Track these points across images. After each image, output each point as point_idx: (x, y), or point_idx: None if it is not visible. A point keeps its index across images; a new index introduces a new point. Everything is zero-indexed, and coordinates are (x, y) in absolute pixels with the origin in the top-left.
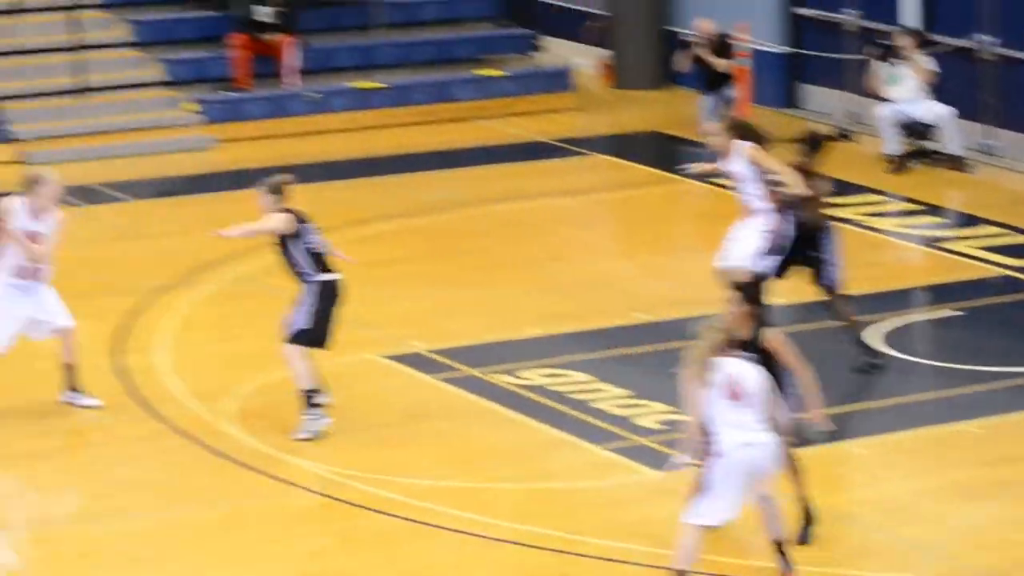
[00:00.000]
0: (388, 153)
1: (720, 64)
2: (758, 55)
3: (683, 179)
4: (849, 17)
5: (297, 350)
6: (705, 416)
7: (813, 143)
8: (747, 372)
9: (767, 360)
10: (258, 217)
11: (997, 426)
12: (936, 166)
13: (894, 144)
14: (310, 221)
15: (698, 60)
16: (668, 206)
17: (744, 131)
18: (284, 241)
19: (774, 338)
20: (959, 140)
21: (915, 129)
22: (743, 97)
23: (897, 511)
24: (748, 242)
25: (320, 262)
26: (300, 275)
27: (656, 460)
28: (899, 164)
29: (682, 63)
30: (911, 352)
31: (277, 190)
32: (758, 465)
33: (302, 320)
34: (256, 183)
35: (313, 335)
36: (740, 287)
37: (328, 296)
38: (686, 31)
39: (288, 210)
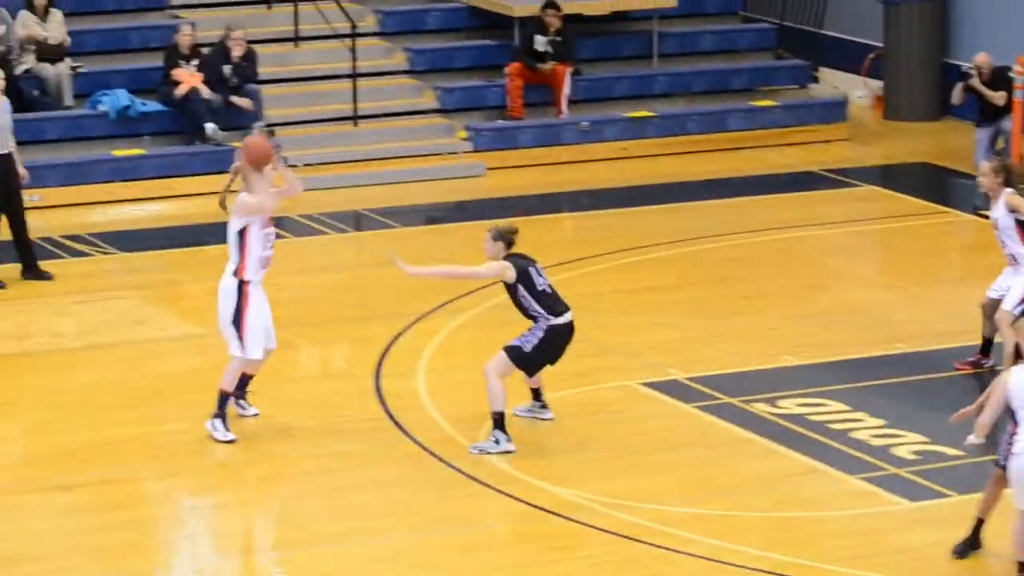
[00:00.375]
0: (657, 182)
1: (995, 97)
2: None
3: (952, 211)
4: None
5: (506, 367)
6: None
7: None
8: None
9: None
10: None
11: None
12: None
13: None
14: (534, 264)
15: (973, 92)
16: (936, 238)
17: (1008, 174)
18: (509, 288)
19: None
20: None
21: None
22: (1018, 131)
23: None
24: (1016, 292)
25: (549, 303)
26: (532, 319)
27: (911, 491)
28: None
29: (957, 96)
30: None
31: (502, 237)
32: None
33: (527, 343)
34: (489, 228)
35: (528, 359)
36: None
37: (558, 337)
38: (963, 63)
39: (509, 256)
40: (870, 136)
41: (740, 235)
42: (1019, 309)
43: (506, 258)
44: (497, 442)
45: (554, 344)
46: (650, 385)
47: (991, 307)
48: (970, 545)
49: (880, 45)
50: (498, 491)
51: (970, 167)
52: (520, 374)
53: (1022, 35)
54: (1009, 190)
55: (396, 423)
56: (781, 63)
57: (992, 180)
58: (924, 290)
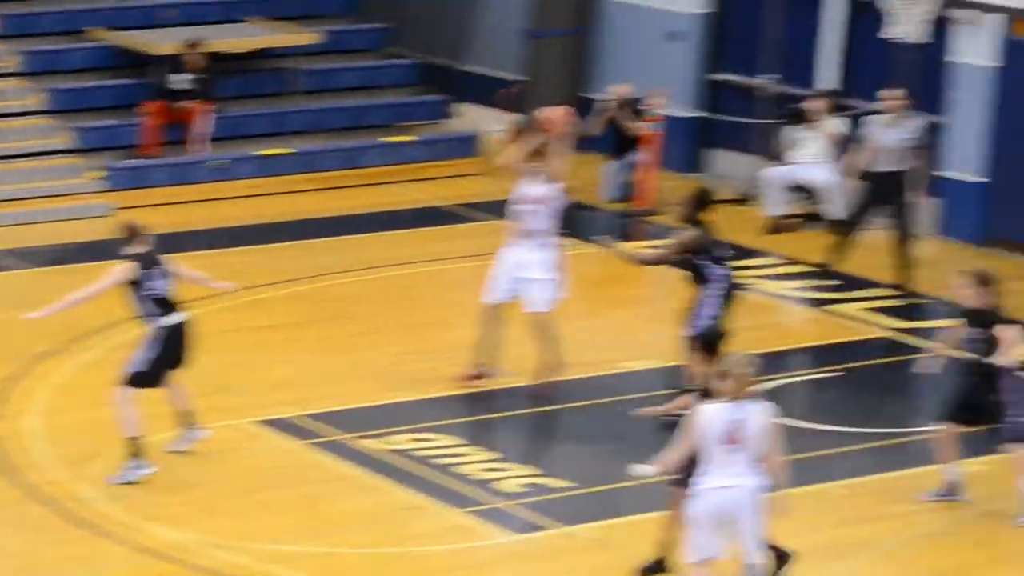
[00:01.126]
0: (291, 219)
1: (635, 126)
2: (669, 120)
3: (577, 242)
4: (766, 82)
5: (128, 393)
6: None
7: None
8: (752, 417)
9: None
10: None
11: (863, 485)
12: (824, 229)
13: (778, 206)
14: (160, 265)
15: (611, 123)
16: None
17: None
18: (130, 288)
19: None
20: (842, 204)
21: (804, 192)
22: (651, 162)
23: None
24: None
25: (165, 306)
26: (145, 319)
27: (513, 523)
28: (779, 226)
29: (594, 126)
30: (788, 413)
31: (127, 234)
32: (731, 508)
33: (139, 363)
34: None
35: (147, 378)
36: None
37: (171, 340)
38: (598, 96)
39: (132, 256)
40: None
41: (366, 271)
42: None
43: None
44: (138, 467)
45: (168, 353)
46: (263, 423)
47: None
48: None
49: (519, 79)
50: (107, 533)
51: (597, 199)
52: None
53: (656, 70)
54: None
55: (6, 466)
56: (418, 99)
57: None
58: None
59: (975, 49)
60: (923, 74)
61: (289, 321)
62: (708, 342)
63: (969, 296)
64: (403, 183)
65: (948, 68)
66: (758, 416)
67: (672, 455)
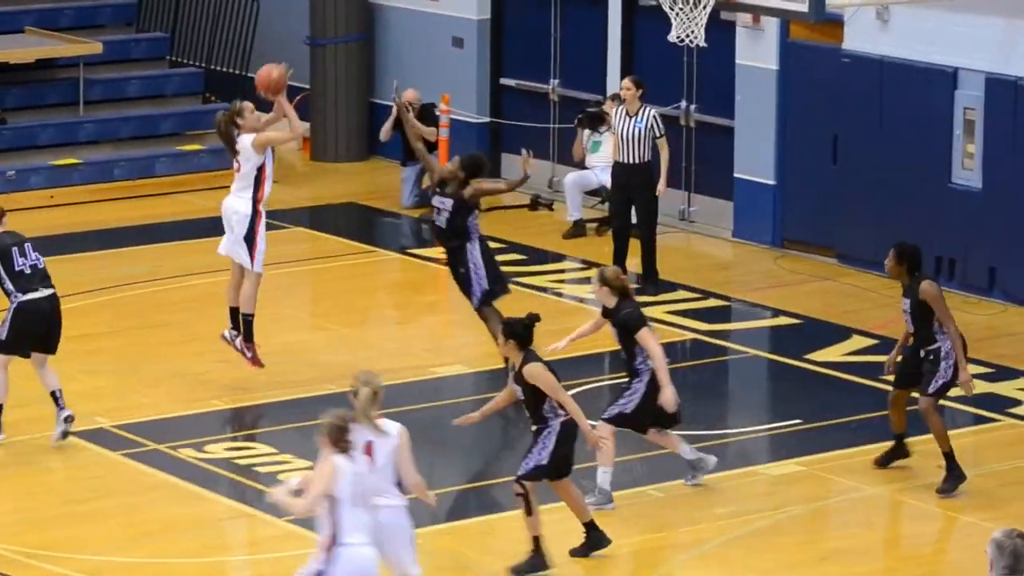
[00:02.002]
0: (87, 229)
1: (427, 131)
2: (459, 125)
3: (379, 250)
4: (552, 87)
5: None
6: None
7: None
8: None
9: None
10: None
11: (677, 488)
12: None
13: (576, 210)
14: (22, 243)
15: (401, 127)
16: (364, 277)
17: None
18: None
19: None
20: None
21: (603, 195)
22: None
23: None
24: None
25: (26, 283)
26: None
27: None
28: (577, 230)
29: (385, 132)
30: (592, 417)
31: None
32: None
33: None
34: None
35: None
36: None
37: (28, 314)
38: (388, 102)
39: None
40: (298, 177)
41: (169, 280)
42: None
43: None
44: None
45: (25, 326)
46: (77, 434)
47: None
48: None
49: (306, 87)
50: None
51: (397, 205)
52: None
53: (445, 75)
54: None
55: None
56: (207, 107)
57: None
58: (353, 330)
59: (757, 52)
60: (709, 77)
61: (96, 331)
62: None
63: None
64: (197, 192)
65: (733, 71)
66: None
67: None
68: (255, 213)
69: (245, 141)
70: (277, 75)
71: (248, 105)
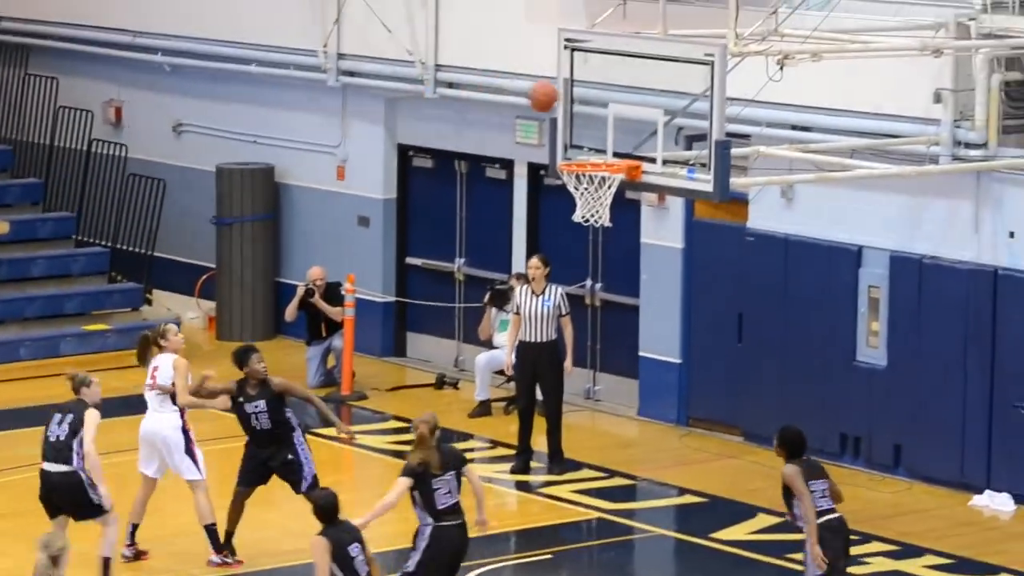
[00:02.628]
0: None
1: (332, 311)
2: (364, 305)
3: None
4: (458, 265)
5: None
6: None
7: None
8: None
9: None
10: None
11: None
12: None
13: (484, 390)
14: None
15: (307, 307)
16: None
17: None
18: None
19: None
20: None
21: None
22: (348, 346)
23: None
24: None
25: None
26: None
27: None
28: (483, 409)
29: (291, 312)
30: None
31: None
32: None
33: None
34: None
35: None
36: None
37: None
38: (294, 282)
39: None
40: (204, 356)
41: None
42: None
43: None
44: None
45: None
46: None
47: None
48: None
49: (212, 266)
50: None
51: (302, 385)
52: None
53: (351, 253)
54: None
55: None
56: (114, 287)
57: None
58: (256, 509)
59: (662, 230)
60: (614, 255)
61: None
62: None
63: None
64: (102, 371)
65: (639, 249)
66: None
67: None
68: (184, 424)
69: (165, 360)
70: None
71: (172, 327)
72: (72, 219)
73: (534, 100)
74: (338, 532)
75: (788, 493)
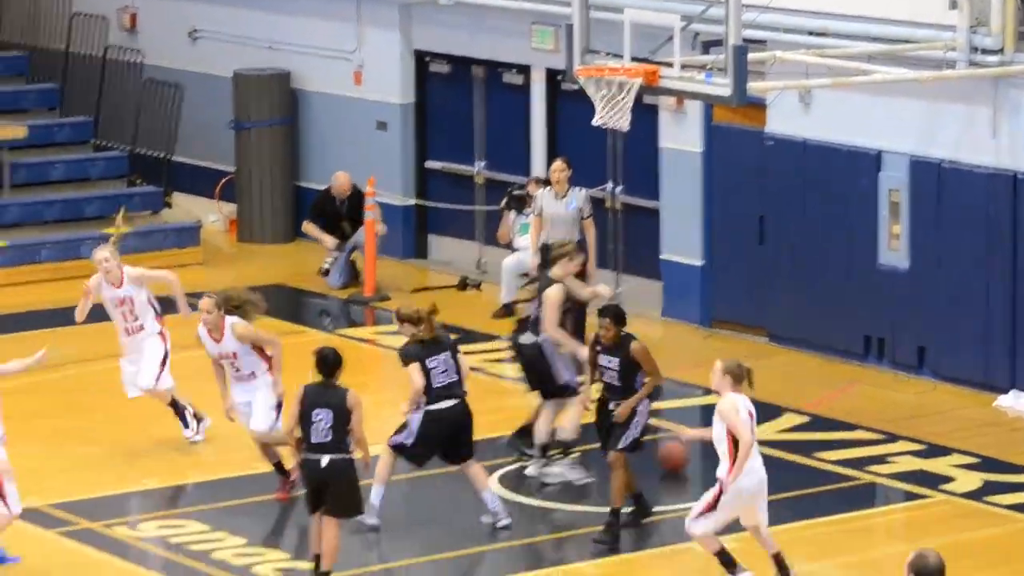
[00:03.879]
0: (12, 311)
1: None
2: (385, 208)
3: (308, 329)
4: (477, 169)
5: None
6: None
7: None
8: None
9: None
10: None
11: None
12: None
13: (509, 292)
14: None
15: (325, 215)
16: (291, 357)
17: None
18: None
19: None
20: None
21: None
22: (370, 248)
23: None
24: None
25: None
26: None
27: None
28: (505, 311)
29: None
30: (529, 494)
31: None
32: None
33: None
34: None
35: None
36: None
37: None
38: (314, 185)
39: None
40: (224, 259)
41: (101, 361)
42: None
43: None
44: None
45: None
46: None
47: None
48: None
49: (232, 170)
50: None
51: (324, 287)
52: None
53: (370, 158)
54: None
55: None
56: (134, 190)
57: (216, 316)
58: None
59: (681, 135)
60: (633, 159)
61: (22, 412)
62: None
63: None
64: None
65: (657, 153)
66: None
67: None
68: None
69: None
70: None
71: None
72: (90, 124)
73: (666, 461)
74: (317, 391)
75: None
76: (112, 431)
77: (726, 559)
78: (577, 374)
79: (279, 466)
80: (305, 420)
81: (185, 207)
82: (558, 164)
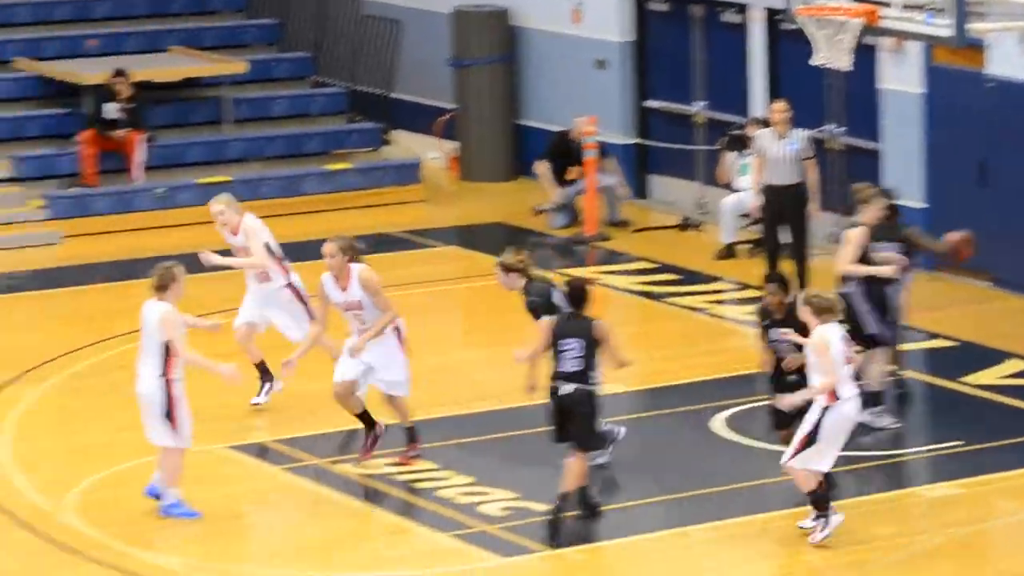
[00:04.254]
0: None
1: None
2: (606, 147)
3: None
4: (697, 109)
5: None
6: None
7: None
8: None
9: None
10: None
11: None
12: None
13: (730, 233)
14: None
15: (559, 157)
16: (514, 296)
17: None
18: None
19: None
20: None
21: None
22: (591, 188)
23: None
24: None
25: None
26: None
27: (499, 547)
28: (727, 252)
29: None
30: (754, 436)
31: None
32: None
33: None
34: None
35: None
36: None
37: None
38: (534, 124)
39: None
40: (445, 197)
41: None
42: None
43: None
44: None
45: None
46: (236, 448)
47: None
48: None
49: (452, 107)
50: (92, 558)
51: (545, 226)
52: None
53: (589, 97)
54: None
55: None
56: (353, 127)
57: (340, 260)
58: (505, 348)
59: (901, 76)
60: (852, 100)
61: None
62: None
63: None
64: (343, 211)
65: (875, 94)
66: None
67: None
68: None
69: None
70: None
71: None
72: (309, 59)
73: (955, 251)
74: (567, 321)
75: None
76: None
77: (821, 498)
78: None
79: (365, 417)
80: (554, 350)
81: (404, 144)
82: (780, 105)
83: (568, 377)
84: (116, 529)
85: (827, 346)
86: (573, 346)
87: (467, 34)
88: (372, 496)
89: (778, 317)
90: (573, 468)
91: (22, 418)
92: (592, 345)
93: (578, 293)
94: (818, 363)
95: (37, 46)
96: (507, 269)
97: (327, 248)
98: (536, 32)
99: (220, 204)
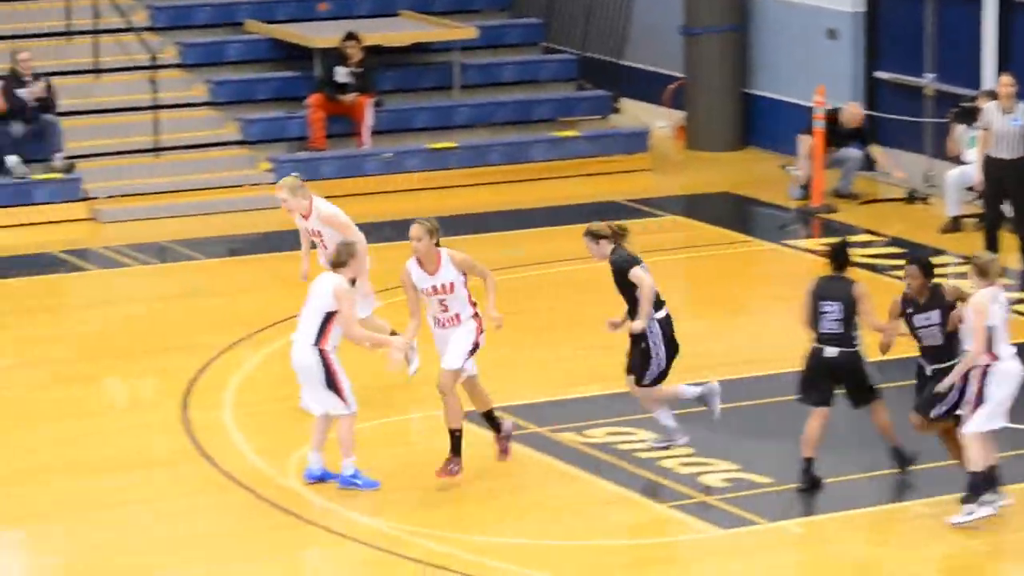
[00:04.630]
0: (459, 213)
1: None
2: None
3: (754, 240)
4: (927, 81)
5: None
6: None
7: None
8: None
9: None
10: None
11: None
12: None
13: (955, 206)
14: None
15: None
16: (740, 266)
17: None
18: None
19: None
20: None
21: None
22: (818, 160)
23: None
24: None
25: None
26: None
27: (720, 518)
28: (953, 225)
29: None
30: None
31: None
32: None
33: None
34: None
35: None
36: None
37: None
38: (765, 93)
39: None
40: (672, 166)
41: (539, 266)
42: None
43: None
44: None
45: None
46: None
47: None
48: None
49: (681, 76)
50: (306, 521)
51: (774, 196)
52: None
53: (818, 66)
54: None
55: (204, 455)
56: (582, 94)
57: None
58: (729, 318)
59: None
60: None
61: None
62: None
63: None
64: (570, 178)
65: None
66: None
67: None
68: None
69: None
70: None
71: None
72: (540, 26)
73: None
74: (826, 283)
75: None
76: (554, 336)
77: (990, 478)
78: None
79: (491, 417)
80: (814, 312)
81: (633, 112)
82: (1007, 79)
83: (830, 339)
84: (333, 492)
85: (985, 308)
86: (833, 308)
87: (698, 2)
88: (592, 465)
89: (921, 302)
90: (880, 418)
91: (244, 381)
92: (851, 307)
93: (839, 255)
94: (974, 326)
95: (269, 9)
96: (596, 237)
97: (414, 231)
98: (768, 1)
99: (283, 191)
